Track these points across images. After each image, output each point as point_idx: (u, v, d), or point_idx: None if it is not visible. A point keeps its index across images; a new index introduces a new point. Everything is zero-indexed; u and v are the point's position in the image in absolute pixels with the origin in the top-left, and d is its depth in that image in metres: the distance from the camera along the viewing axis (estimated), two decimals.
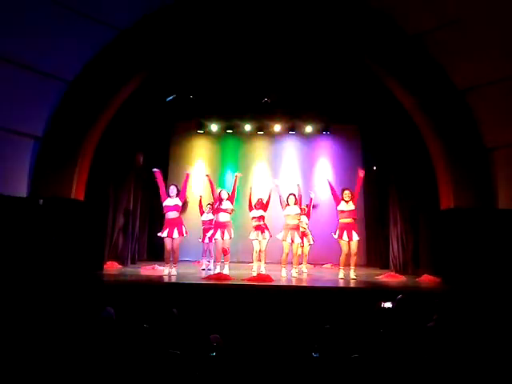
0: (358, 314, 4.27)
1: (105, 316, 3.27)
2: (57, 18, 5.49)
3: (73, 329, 3.02)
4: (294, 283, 6.00)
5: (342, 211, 6.61)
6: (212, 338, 3.37)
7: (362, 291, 5.51)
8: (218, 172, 10.00)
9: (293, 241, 6.63)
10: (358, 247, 6.74)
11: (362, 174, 6.78)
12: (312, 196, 7.87)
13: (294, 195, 6.78)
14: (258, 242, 6.78)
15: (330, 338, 3.05)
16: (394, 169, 7.99)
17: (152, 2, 6.00)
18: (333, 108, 8.96)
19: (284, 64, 7.29)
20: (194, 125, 9.97)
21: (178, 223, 6.43)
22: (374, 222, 9.28)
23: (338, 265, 6.82)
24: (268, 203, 6.95)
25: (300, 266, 7.30)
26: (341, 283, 6.10)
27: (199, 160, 10.27)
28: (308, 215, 7.76)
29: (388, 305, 4.25)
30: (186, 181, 6.74)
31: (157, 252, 8.59)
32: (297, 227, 6.76)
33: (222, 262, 6.60)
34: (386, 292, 5.37)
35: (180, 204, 6.53)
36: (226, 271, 6.41)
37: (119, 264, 7.65)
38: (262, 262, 6.75)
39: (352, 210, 6.58)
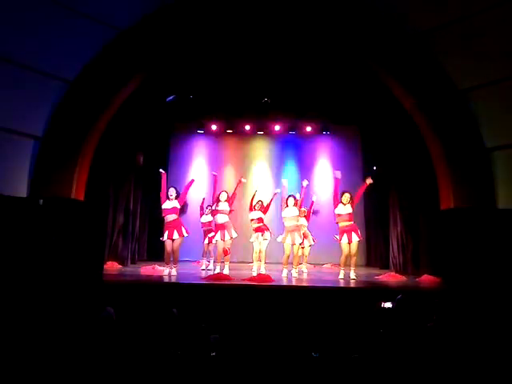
0: (358, 314, 4.27)
1: (105, 316, 3.27)
2: (57, 18, 5.49)
3: (73, 329, 3.02)
4: (294, 283, 6.00)
5: (339, 215, 6.59)
6: (212, 338, 3.37)
7: (362, 291, 5.51)
8: (218, 172, 9.99)
9: (294, 243, 6.63)
10: (358, 247, 6.74)
11: (369, 181, 6.69)
12: (314, 199, 7.87)
13: (294, 197, 6.78)
14: (259, 242, 6.80)
15: (330, 337, 3.05)
16: (393, 169, 7.99)
17: (152, 2, 6.00)
18: (333, 108, 8.96)
19: (284, 64, 7.29)
20: (194, 125, 9.97)
21: (177, 225, 6.44)
22: (373, 222, 9.28)
23: (338, 265, 6.81)
24: (268, 206, 6.97)
25: (300, 266, 7.31)
26: (341, 283, 6.10)
27: (199, 160, 10.27)
28: (308, 218, 7.76)
29: (388, 305, 4.25)
30: (189, 186, 6.73)
31: (157, 252, 8.59)
32: (296, 228, 6.76)
33: (222, 261, 6.60)
34: (386, 292, 5.37)
35: (178, 206, 6.53)
36: (226, 271, 6.42)
37: (119, 264, 7.65)
38: (262, 262, 6.75)
39: (349, 214, 6.56)
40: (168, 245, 6.43)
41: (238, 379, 3.26)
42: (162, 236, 6.52)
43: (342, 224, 6.56)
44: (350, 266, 6.57)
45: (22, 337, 2.90)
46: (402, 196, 7.73)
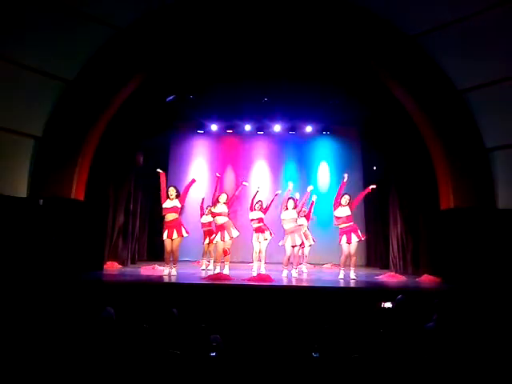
0: (358, 314, 4.27)
1: (105, 316, 3.27)
2: (57, 18, 5.49)
3: (73, 329, 3.02)
4: (294, 283, 6.00)
5: (338, 217, 6.62)
6: (212, 338, 3.37)
7: (362, 291, 5.51)
8: (218, 172, 9.99)
9: (294, 244, 6.61)
10: (358, 248, 6.75)
11: (373, 187, 6.77)
12: (314, 199, 7.87)
13: (294, 200, 6.77)
14: (259, 242, 6.80)
15: (330, 337, 3.05)
16: (393, 169, 7.99)
17: (152, 2, 6.00)
18: (333, 108, 8.95)
19: (284, 64, 7.28)
20: (194, 125, 9.97)
21: (176, 224, 6.43)
22: (373, 222, 9.27)
23: (338, 265, 6.80)
24: (268, 208, 6.97)
25: (300, 266, 7.30)
26: (341, 283, 6.09)
27: (199, 160, 10.27)
28: (308, 217, 7.76)
29: (388, 305, 4.25)
30: (190, 186, 6.72)
31: (157, 252, 8.59)
32: (296, 229, 6.73)
33: (222, 262, 6.60)
34: (385, 292, 5.37)
35: (179, 206, 6.52)
36: (226, 271, 6.41)
37: (119, 264, 7.65)
38: (262, 262, 6.75)
39: (348, 216, 6.58)
40: (168, 244, 6.42)
41: (238, 379, 3.26)
42: (162, 235, 6.50)
43: (341, 226, 6.59)
44: (349, 266, 6.57)
45: (22, 337, 2.89)
46: (402, 196, 7.72)
